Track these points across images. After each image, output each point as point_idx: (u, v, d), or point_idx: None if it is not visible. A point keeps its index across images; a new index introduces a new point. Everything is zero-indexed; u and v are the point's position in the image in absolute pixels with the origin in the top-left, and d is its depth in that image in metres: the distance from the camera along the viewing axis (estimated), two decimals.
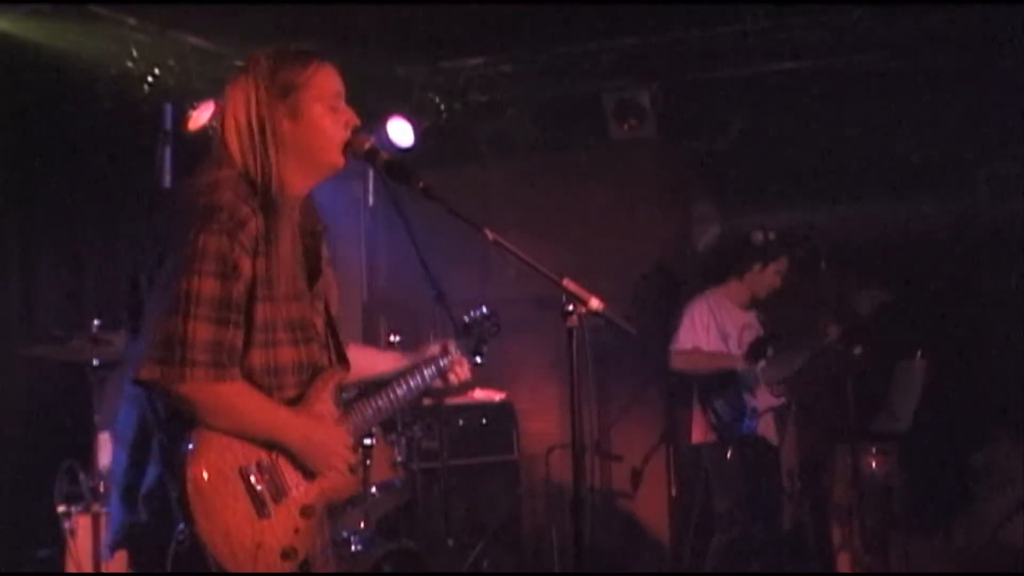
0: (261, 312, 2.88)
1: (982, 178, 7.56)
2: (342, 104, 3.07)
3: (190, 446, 2.79)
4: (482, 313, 3.68)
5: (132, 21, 6.51)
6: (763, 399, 6.47)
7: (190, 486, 2.76)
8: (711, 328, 6.56)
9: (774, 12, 6.92)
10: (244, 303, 2.84)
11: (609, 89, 7.72)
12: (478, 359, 3.64)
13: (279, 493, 2.90)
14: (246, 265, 2.83)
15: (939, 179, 7.44)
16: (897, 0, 6.65)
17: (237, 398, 2.85)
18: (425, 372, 3.46)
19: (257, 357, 2.89)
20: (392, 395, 3.36)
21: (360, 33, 6.63)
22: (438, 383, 3.52)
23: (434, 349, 3.52)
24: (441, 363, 3.50)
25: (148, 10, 6.45)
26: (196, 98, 6.80)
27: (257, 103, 2.96)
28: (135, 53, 6.55)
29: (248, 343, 2.87)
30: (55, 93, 6.43)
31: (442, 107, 7.68)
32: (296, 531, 2.91)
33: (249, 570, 2.80)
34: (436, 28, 6.98)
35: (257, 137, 2.94)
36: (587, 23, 7.06)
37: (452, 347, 3.53)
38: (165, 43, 6.72)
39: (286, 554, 2.87)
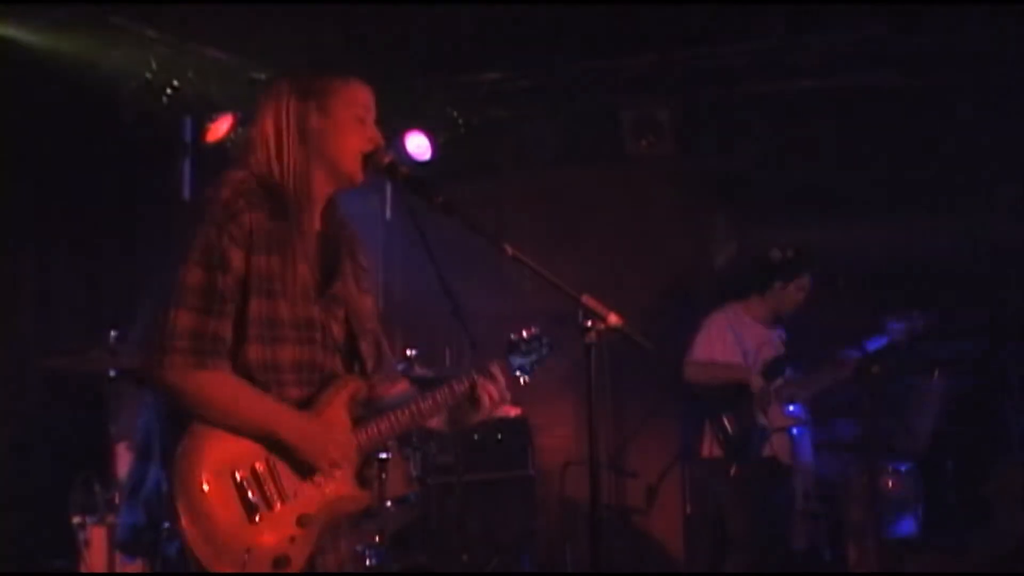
0: (257, 307, 2.90)
1: (1001, 196, 7.52)
2: (370, 119, 3.12)
3: (185, 444, 2.81)
4: (532, 334, 3.53)
5: (152, 33, 6.54)
6: (775, 419, 6.35)
7: (178, 483, 2.78)
8: (728, 341, 6.44)
9: (792, 30, 6.92)
10: (235, 294, 2.88)
11: (627, 105, 7.72)
12: (524, 379, 3.48)
13: (275, 499, 2.88)
14: (236, 257, 2.88)
15: (958, 197, 7.41)
16: (916, 18, 6.64)
17: (222, 387, 2.86)
18: (449, 393, 3.25)
19: (254, 352, 2.90)
20: (414, 408, 3.18)
21: (379, 46, 6.65)
22: (487, 410, 3.31)
23: (495, 368, 3.33)
24: (459, 388, 3.27)
25: (168, 22, 6.48)
26: (215, 110, 6.83)
27: (288, 106, 3.04)
28: (155, 65, 6.58)
29: (244, 337, 2.89)
30: (75, 104, 6.46)
31: (460, 121, 7.69)
32: (292, 539, 2.88)
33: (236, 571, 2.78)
34: (455, 42, 7.00)
35: (285, 135, 3.01)
36: (606, 39, 7.07)
37: (496, 369, 3.34)
38: (185, 55, 6.75)
39: (278, 562, 2.85)
